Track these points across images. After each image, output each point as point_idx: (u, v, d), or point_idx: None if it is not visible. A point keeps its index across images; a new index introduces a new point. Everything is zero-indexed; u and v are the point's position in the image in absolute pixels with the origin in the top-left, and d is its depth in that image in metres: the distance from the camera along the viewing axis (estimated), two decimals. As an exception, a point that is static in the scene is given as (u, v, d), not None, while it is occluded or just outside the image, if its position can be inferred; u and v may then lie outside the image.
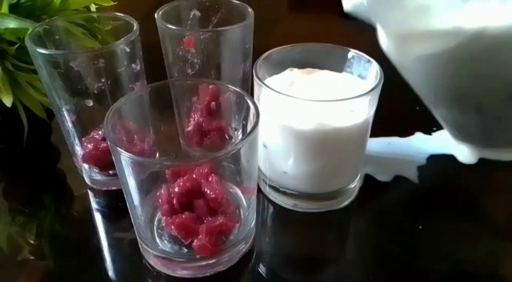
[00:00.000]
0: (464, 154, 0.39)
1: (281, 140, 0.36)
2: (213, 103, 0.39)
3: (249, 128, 0.31)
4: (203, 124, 0.40)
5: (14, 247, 0.36)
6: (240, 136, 0.39)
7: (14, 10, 0.40)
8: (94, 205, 0.40)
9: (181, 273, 0.33)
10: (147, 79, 0.39)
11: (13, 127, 0.42)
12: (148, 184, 0.31)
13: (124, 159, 0.28)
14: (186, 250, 0.32)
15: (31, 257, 0.35)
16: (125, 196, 0.32)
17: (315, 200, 0.38)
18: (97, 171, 0.40)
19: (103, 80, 0.36)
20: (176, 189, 0.32)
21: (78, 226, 0.38)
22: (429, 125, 0.47)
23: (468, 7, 0.31)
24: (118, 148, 0.27)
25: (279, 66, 0.39)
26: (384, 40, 0.36)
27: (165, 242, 0.33)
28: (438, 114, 0.38)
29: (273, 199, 0.39)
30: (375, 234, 0.37)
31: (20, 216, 0.40)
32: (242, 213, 0.34)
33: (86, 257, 0.35)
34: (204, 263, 0.32)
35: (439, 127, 0.47)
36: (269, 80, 0.38)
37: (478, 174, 0.42)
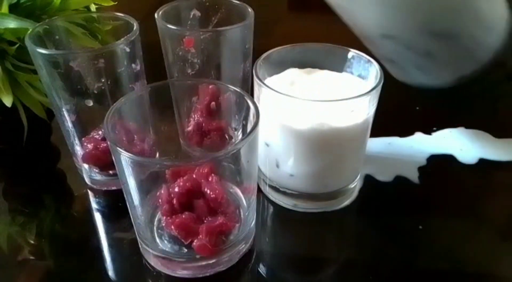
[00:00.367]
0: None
1: (281, 140, 0.36)
2: (213, 103, 0.39)
3: (249, 128, 0.31)
4: (203, 124, 0.40)
5: (14, 247, 0.36)
6: (240, 136, 0.39)
7: (14, 10, 0.40)
8: (94, 205, 0.40)
9: (181, 273, 0.33)
10: (147, 79, 0.39)
11: (13, 127, 0.42)
12: (148, 184, 0.31)
13: (124, 159, 0.28)
14: (186, 250, 0.32)
15: (31, 257, 0.35)
16: (125, 196, 0.32)
17: (315, 200, 0.38)
18: (97, 171, 0.40)
19: (103, 80, 0.36)
20: (176, 189, 0.32)
21: (78, 226, 0.38)
22: (429, 125, 0.47)
23: None
24: (118, 148, 0.27)
25: (279, 66, 0.39)
26: None
27: (165, 242, 0.33)
28: (375, 50, 0.37)
29: (273, 199, 0.39)
30: (375, 234, 0.37)
31: (20, 216, 0.40)
32: (242, 213, 0.34)
33: (86, 257, 0.35)
34: (204, 263, 0.32)
35: (439, 127, 0.47)
36: (269, 80, 0.38)
37: (478, 174, 0.42)
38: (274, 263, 0.35)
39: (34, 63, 0.36)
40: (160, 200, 0.32)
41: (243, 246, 0.34)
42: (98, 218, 0.39)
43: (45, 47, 0.37)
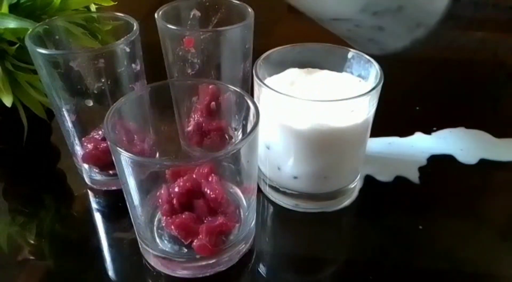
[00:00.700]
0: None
1: (281, 140, 0.36)
2: (213, 103, 0.39)
3: (249, 128, 0.31)
4: (203, 124, 0.40)
5: (14, 247, 0.36)
6: (240, 136, 0.39)
7: (14, 10, 0.40)
8: (94, 205, 0.40)
9: (181, 273, 0.33)
10: (147, 79, 0.39)
11: (13, 127, 0.42)
12: (148, 184, 0.31)
13: (124, 159, 0.28)
14: (186, 250, 0.32)
15: (31, 257, 0.35)
16: (125, 196, 0.32)
17: (315, 200, 0.38)
18: (97, 171, 0.40)
19: (103, 80, 0.36)
20: (176, 189, 0.32)
21: (78, 226, 0.38)
22: (429, 125, 0.47)
23: None
24: (118, 148, 0.27)
25: (279, 66, 0.39)
26: None
27: (165, 242, 0.33)
28: (331, 30, 0.38)
29: (273, 199, 0.39)
30: (375, 234, 0.37)
31: (20, 216, 0.40)
32: (242, 213, 0.34)
33: (86, 257, 0.35)
34: (204, 263, 0.32)
35: (439, 127, 0.47)
36: (269, 80, 0.38)
37: (478, 174, 0.42)
38: (274, 263, 0.35)
39: (34, 63, 0.36)
40: (160, 200, 0.32)
41: (243, 246, 0.34)
42: (98, 218, 0.39)
43: (45, 47, 0.37)
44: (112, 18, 0.41)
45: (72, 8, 0.43)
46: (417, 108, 0.51)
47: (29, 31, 0.36)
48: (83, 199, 0.41)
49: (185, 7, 0.42)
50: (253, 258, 0.35)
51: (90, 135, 0.39)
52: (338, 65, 0.39)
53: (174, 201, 0.32)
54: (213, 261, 0.32)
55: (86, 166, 0.40)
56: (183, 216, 0.31)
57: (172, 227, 0.31)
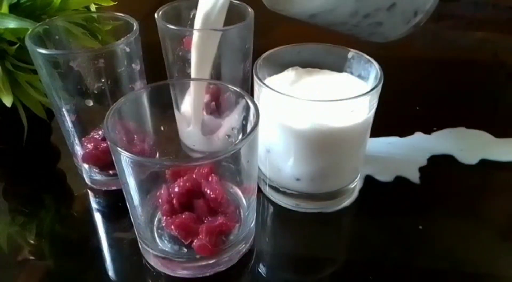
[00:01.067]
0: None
1: (281, 140, 0.36)
2: (213, 103, 0.39)
3: (249, 128, 0.31)
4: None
5: (14, 247, 0.36)
6: (240, 136, 0.39)
7: (14, 10, 0.40)
8: (94, 205, 0.40)
9: (181, 273, 0.33)
10: (147, 79, 0.39)
11: (13, 127, 0.42)
12: (148, 184, 0.31)
13: (124, 159, 0.28)
14: (186, 250, 0.32)
15: (31, 257, 0.35)
16: (125, 196, 0.32)
17: (315, 200, 0.38)
18: (97, 171, 0.40)
19: (103, 80, 0.36)
20: (176, 189, 0.32)
21: (78, 226, 0.38)
22: (429, 125, 0.47)
23: None
24: (118, 148, 0.27)
25: (279, 66, 0.39)
26: None
27: (165, 242, 0.33)
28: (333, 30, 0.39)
29: (273, 199, 0.39)
30: (375, 234, 0.37)
31: (20, 216, 0.40)
32: (242, 213, 0.34)
33: (86, 257, 0.35)
34: (204, 263, 0.32)
35: (439, 127, 0.47)
36: (269, 80, 0.38)
37: (478, 174, 0.42)
38: (274, 263, 0.35)
39: (34, 63, 0.36)
40: (160, 200, 0.32)
41: (243, 246, 0.34)
42: (98, 218, 0.39)
43: (45, 47, 0.37)
44: (112, 18, 0.41)
45: (72, 8, 0.42)
46: (417, 108, 0.51)
47: (29, 31, 0.36)
48: (83, 199, 0.41)
49: (185, 7, 0.42)
50: (253, 258, 0.35)
51: (90, 135, 0.39)
52: (338, 65, 0.39)
53: (174, 201, 0.32)
54: (213, 261, 0.32)
55: (86, 166, 0.40)
56: (183, 216, 0.31)
57: (172, 227, 0.31)
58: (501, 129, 0.46)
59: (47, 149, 0.47)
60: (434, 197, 0.40)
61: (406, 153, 0.44)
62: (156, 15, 0.39)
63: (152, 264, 0.33)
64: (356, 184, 0.40)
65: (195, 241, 0.31)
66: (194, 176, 0.32)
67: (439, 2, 0.38)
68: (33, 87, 0.41)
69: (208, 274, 0.33)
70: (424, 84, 0.56)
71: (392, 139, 0.46)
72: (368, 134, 0.37)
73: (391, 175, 0.41)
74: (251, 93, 0.36)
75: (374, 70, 0.36)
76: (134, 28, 0.37)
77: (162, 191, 0.32)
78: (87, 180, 0.41)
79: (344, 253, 0.37)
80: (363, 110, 0.34)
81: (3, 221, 0.39)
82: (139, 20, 0.38)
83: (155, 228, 0.34)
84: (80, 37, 0.40)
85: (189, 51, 0.39)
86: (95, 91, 0.36)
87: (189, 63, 0.40)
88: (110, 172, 0.40)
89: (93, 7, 0.45)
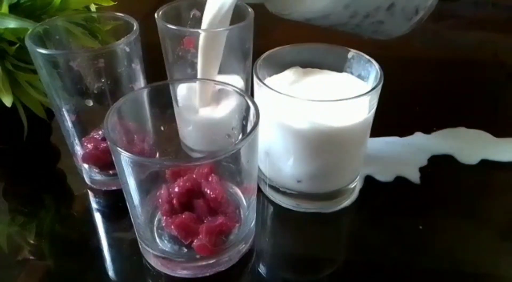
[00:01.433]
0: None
1: (281, 140, 0.36)
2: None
3: (249, 128, 0.31)
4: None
5: (14, 247, 0.36)
6: (240, 136, 0.39)
7: (14, 10, 0.40)
8: (94, 205, 0.40)
9: (181, 273, 0.33)
10: (147, 79, 0.39)
11: (13, 127, 0.42)
12: (148, 184, 0.31)
13: (124, 159, 0.28)
14: (186, 250, 0.32)
15: (31, 257, 0.35)
16: (125, 196, 0.32)
17: (315, 200, 0.38)
18: (97, 171, 0.40)
19: (103, 80, 0.36)
20: (176, 189, 0.32)
21: (78, 226, 0.38)
22: (429, 125, 0.47)
23: None
24: (118, 148, 0.27)
25: (279, 66, 0.39)
26: None
27: (165, 242, 0.33)
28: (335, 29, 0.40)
29: (273, 199, 0.39)
30: (375, 234, 0.37)
31: (20, 216, 0.40)
32: (242, 213, 0.34)
33: (86, 257, 0.35)
34: (204, 263, 0.32)
35: (439, 127, 0.47)
36: (269, 80, 0.38)
37: (478, 174, 0.42)
38: (274, 263, 0.35)
39: (34, 63, 0.36)
40: (160, 200, 0.32)
41: (243, 246, 0.34)
42: (98, 218, 0.39)
43: (45, 47, 0.37)
44: (112, 18, 0.41)
45: (72, 8, 0.42)
46: (417, 108, 0.51)
47: (29, 31, 0.36)
48: (83, 199, 0.41)
49: (185, 7, 0.42)
50: (253, 258, 0.35)
51: (90, 135, 0.39)
52: (338, 65, 0.39)
53: (174, 201, 0.32)
54: (213, 261, 0.32)
55: (86, 166, 0.40)
56: (183, 216, 0.31)
57: (172, 227, 0.31)
58: (501, 129, 0.46)
59: (47, 149, 0.47)
60: (434, 197, 0.40)
61: (406, 153, 0.44)
62: (156, 15, 0.39)
63: (152, 264, 0.33)
64: (356, 184, 0.40)
65: (195, 241, 0.31)
66: (194, 176, 0.32)
67: (439, 2, 0.38)
68: (33, 87, 0.41)
69: (208, 274, 0.33)
70: (424, 84, 0.56)
71: (392, 139, 0.46)
72: (368, 134, 0.37)
73: (391, 175, 0.41)
74: (251, 93, 0.36)
75: (374, 70, 0.36)
76: (134, 28, 0.37)
77: (162, 191, 0.32)
78: (87, 180, 0.41)
79: (344, 253, 0.37)
80: (363, 110, 0.34)
81: (3, 221, 0.39)
82: (139, 20, 0.38)
83: (155, 228, 0.34)
84: (80, 37, 0.40)
85: (189, 51, 0.39)
86: (95, 91, 0.36)
87: (189, 63, 0.40)
88: (110, 172, 0.40)
89: (93, 7, 0.45)
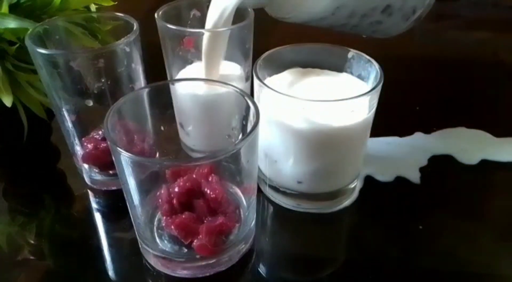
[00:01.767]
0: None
1: (281, 140, 0.36)
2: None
3: (249, 128, 0.31)
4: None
5: (14, 247, 0.36)
6: (240, 136, 0.39)
7: (14, 10, 0.40)
8: (94, 205, 0.40)
9: (181, 273, 0.33)
10: (147, 79, 0.39)
11: (13, 127, 0.42)
12: (148, 184, 0.31)
13: (124, 159, 0.28)
14: (186, 250, 0.32)
15: (31, 257, 0.35)
16: (125, 196, 0.32)
17: (315, 200, 0.38)
18: (97, 171, 0.40)
19: (103, 80, 0.36)
20: (176, 189, 0.32)
21: (78, 226, 0.38)
22: (429, 125, 0.47)
23: None
24: (118, 148, 0.27)
25: (279, 66, 0.39)
26: None
27: (165, 242, 0.33)
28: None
29: (273, 199, 0.39)
30: (375, 234, 0.37)
31: (20, 216, 0.40)
32: (242, 213, 0.34)
33: (86, 257, 0.35)
34: (204, 263, 0.32)
35: (439, 127, 0.47)
36: (269, 80, 0.38)
37: (479, 174, 0.42)
38: (274, 263, 0.35)
39: (34, 63, 0.36)
40: (160, 200, 0.32)
41: (243, 246, 0.34)
42: (98, 218, 0.39)
43: (45, 47, 0.37)
44: (112, 18, 0.41)
45: (72, 8, 0.43)
46: (417, 108, 0.51)
47: (29, 31, 0.36)
48: (83, 199, 0.41)
49: (185, 7, 0.42)
50: (253, 258, 0.35)
51: (90, 135, 0.39)
52: (338, 65, 0.39)
53: (174, 201, 0.32)
54: (213, 261, 0.32)
55: (86, 166, 0.40)
56: (183, 216, 0.31)
57: (172, 227, 0.31)
58: (501, 129, 0.46)
59: (47, 149, 0.47)
60: (434, 197, 0.40)
61: (406, 153, 0.44)
62: (156, 15, 0.39)
63: (152, 264, 0.33)
64: (356, 184, 0.40)
65: (195, 241, 0.31)
66: (194, 176, 0.32)
67: (439, 2, 0.38)
68: (33, 87, 0.41)
69: (208, 274, 0.33)
70: (424, 84, 0.56)
71: (392, 139, 0.46)
72: (368, 134, 0.37)
73: (391, 175, 0.41)
74: (251, 93, 0.36)
75: (374, 70, 0.36)
76: (134, 28, 0.37)
77: (162, 191, 0.32)
78: (87, 180, 0.41)
79: (344, 253, 0.37)
80: (363, 110, 0.34)
81: (3, 221, 0.39)
82: (139, 20, 0.38)
83: (155, 228, 0.34)
84: (80, 37, 0.40)
85: (189, 51, 0.39)
86: (95, 91, 0.36)
87: (189, 63, 0.40)
88: (110, 172, 0.40)
89: (93, 7, 0.45)
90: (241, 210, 0.34)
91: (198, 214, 0.32)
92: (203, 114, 0.40)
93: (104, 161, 0.38)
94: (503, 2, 0.79)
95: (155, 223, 0.34)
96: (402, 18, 0.37)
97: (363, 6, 0.35)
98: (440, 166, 0.43)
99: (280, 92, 0.33)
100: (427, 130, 0.46)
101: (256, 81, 0.35)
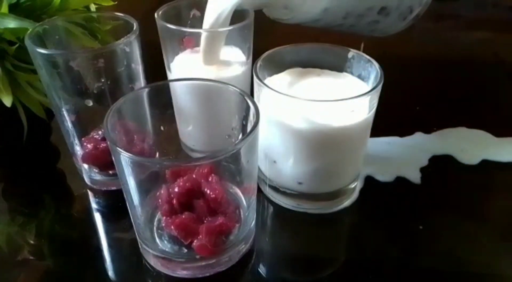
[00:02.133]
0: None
1: (281, 140, 0.36)
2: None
3: (249, 128, 0.31)
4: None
5: (14, 247, 0.36)
6: (240, 136, 0.39)
7: (14, 10, 0.40)
8: (94, 205, 0.40)
9: (181, 273, 0.33)
10: (147, 79, 0.39)
11: (13, 127, 0.42)
12: (148, 184, 0.31)
13: (124, 159, 0.28)
14: (186, 250, 0.32)
15: (31, 257, 0.35)
16: (125, 196, 0.32)
17: (315, 200, 0.38)
18: (97, 171, 0.40)
19: (103, 80, 0.36)
20: (176, 189, 0.31)
21: (78, 226, 0.38)
22: (429, 125, 0.47)
23: None
24: (118, 148, 0.27)
25: (279, 66, 0.39)
26: None
27: (165, 242, 0.33)
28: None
29: (273, 199, 0.39)
30: (375, 234, 0.37)
31: (20, 216, 0.40)
32: (242, 213, 0.34)
33: (86, 257, 0.35)
34: (204, 263, 0.32)
35: (439, 127, 0.47)
36: (269, 80, 0.38)
37: (479, 174, 0.42)
38: (274, 263, 0.35)
39: (33, 63, 0.36)
40: (160, 200, 0.32)
41: (243, 246, 0.34)
42: (98, 218, 0.39)
43: (45, 47, 0.37)
44: (112, 18, 0.41)
45: (72, 8, 0.43)
46: (417, 108, 0.51)
47: (29, 31, 0.36)
48: (83, 199, 0.41)
49: (185, 7, 0.42)
50: (253, 258, 0.35)
51: (90, 135, 0.39)
52: (338, 65, 0.39)
53: (174, 201, 0.32)
54: (213, 261, 0.32)
55: (86, 166, 0.40)
56: (183, 216, 0.31)
57: (172, 227, 0.31)
58: (501, 129, 0.46)
59: (47, 149, 0.47)
60: (435, 197, 0.40)
61: (406, 153, 0.44)
62: (156, 15, 0.39)
63: (152, 264, 0.33)
64: (356, 184, 0.40)
65: (195, 241, 0.31)
66: (194, 176, 0.32)
67: (439, 2, 0.38)
68: (33, 87, 0.41)
69: (208, 274, 0.33)
70: (424, 84, 0.56)
71: (392, 139, 0.46)
72: (368, 134, 0.37)
73: (392, 175, 0.41)
74: (251, 93, 0.36)
75: (374, 70, 0.36)
76: (134, 28, 0.37)
77: (162, 191, 0.32)
78: (87, 180, 0.41)
79: (344, 253, 0.37)
80: (363, 110, 0.34)
81: (3, 221, 0.39)
82: (139, 20, 0.38)
83: (155, 228, 0.34)
84: (80, 37, 0.40)
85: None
86: (95, 91, 0.36)
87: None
88: (110, 172, 0.39)
89: (93, 7, 0.45)
90: (241, 210, 0.34)
91: (198, 214, 0.32)
92: (203, 114, 0.39)
93: (104, 161, 0.38)
94: (503, 2, 0.79)
95: (155, 223, 0.34)
96: (399, 18, 0.37)
97: (358, 7, 0.35)
98: (441, 166, 0.43)
99: (280, 92, 0.33)
100: (428, 130, 0.46)
101: (256, 81, 0.35)
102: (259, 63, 0.36)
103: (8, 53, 0.39)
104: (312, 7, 0.34)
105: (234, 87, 0.33)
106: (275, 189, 0.39)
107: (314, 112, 0.33)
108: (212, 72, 0.39)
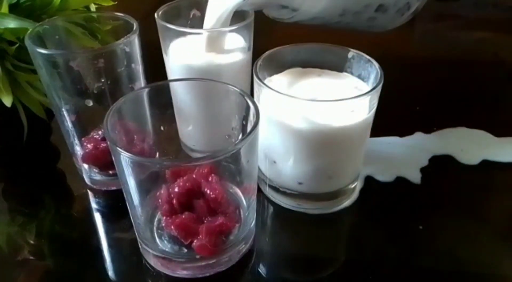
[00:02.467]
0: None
1: (281, 140, 0.36)
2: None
3: (249, 128, 0.31)
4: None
5: (14, 247, 0.36)
6: (240, 136, 0.39)
7: (14, 10, 0.40)
8: (94, 205, 0.40)
9: (181, 273, 0.33)
10: (147, 79, 0.39)
11: (13, 127, 0.42)
12: (148, 184, 0.31)
13: (124, 159, 0.28)
14: (186, 250, 0.32)
15: (31, 257, 0.35)
16: (125, 196, 0.32)
17: (315, 200, 0.38)
18: (97, 171, 0.40)
19: (103, 80, 0.36)
20: (176, 189, 0.31)
21: (78, 226, 0.38)
22: (429, 125, 0.47)
23: None
24: (118, 148, 0.27)
25: (279, 66, 0.39)
26: None
27: (165, 242, 0.33)
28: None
29: (273, 199, 0.39)
30: (375, 234, 0.37)
31: (20, 216, 0.40)
32: (242, 213, 0.34)
33: (86, 257, 0.35)
34: (204, 263, 0.32)
35: (439, 127, 0.47)
36: (269, 80, 0.38)
37: (479, 174, 0.42)
38: (274, 263, 0.35)
39: (33, 63, 0.36)
40: (160, 200, 0.32)
41: (243, 246, 0.34)
42: (98, 218, 0.39)
43: (45, 47, 0.37)
44: (112, 18, 0.41)
45: (72, 8, 0.43)
46: (417, 108, 0.51)
47: (29, 31, 0.36)
48: (83, 199, 0.41)
49: (185, 7, 0.42)
50: (253, 258, 0.35)
51: (90, 135, 0.39)
52: (338, 65, 0.39)
53: (174, 201, 0.32)
54: (213, 261, 0.32)
55: (86, 166, 0.40)
56: (183, 216, 0.31)
57: (172, 227, 0.31)
58: (502, 129, 0.46)
59: (47, 149, 0.47)
60: (435, 197, 0.40)
61: (406, 153, 0.44)
62: (156, 15, 0.39)
63: (152, 264, 0.33)
64: (356, 184, 0.40)
65: (195, 241, 0.31)
66: (194, 176, 0.32)
67: (439, 2, 0.38)
68: (33, 87, 0.41)
69: (208, 274, 0.33)
70: (424, 84, 0.56)
71: (392, 139, 0.46)
72: (368, 134, 0.37)
73: (392, 175, 0.41)
74: (251, 93, 0.36)
75: (374, 70, 0.36)
76: (134, 28, 0.37)
77: (162, 191, 0.32)
78: (87, 180, 0.41)
79: (344, 253, 0.37)
80: (363, 110, 0.34)
81: (3, 221, 0.39)
82: (139, 20, 0.38)
83: (155, 228, 0.34)
84: (80, 37, 0.40)
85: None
86: (95, 91, 0.36)
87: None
88: (110, 172, 0.39)
89: (93, 7, 0.45)
90: (241, 210, 0.34)
91: (198, 214, 0.32)
92: (203, 114, 0.39)
93: (104, 161, 0.38)
94: (503, 2, 0.79)
95: (155, 223, 0.34)
96: (397, 14, 0.37)
97: (355, 5, 0.35)
98: (441, 166, 0.43)
99: (280, 92, 0.33)
100: (428, 130, 0.46)
101: (256, 81, 0.35)
102: (259, 63, 0.36)
103: (8, 53, 0.39)
104: (311, 7, 0.34)
105: (234, 87, 0.33)
106: (275, 189, 0.39)
107: (314, 112, 0.33)
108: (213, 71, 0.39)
